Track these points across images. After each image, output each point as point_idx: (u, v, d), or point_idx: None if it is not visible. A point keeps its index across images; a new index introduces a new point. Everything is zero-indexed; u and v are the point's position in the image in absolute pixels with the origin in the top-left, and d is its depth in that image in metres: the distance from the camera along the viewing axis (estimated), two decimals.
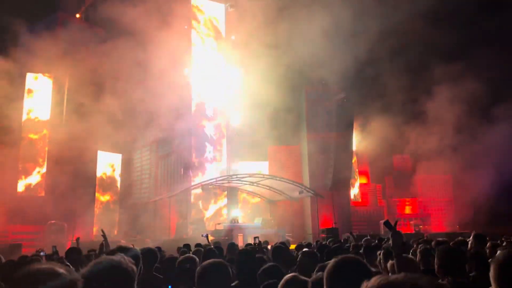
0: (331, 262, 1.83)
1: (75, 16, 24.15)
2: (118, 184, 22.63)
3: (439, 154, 22.10)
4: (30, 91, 20.35)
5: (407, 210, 24.26)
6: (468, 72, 20.94)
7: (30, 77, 20.49)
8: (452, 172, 21.57)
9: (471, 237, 5.07)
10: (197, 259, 3.86)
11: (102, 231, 4.90)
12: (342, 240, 11.65)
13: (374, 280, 1.08)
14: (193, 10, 24.14)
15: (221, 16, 24.93)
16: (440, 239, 7.77)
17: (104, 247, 4.76)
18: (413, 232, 19.53)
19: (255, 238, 7.43)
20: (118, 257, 1.79)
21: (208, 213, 22.44)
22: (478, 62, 20.36)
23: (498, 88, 21.23)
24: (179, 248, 7.74)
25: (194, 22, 24.10)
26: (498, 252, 2.11)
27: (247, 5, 22.69)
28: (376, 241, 8.37)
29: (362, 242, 8.53)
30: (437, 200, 23.99)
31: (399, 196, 24.92)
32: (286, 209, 21.75)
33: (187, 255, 4.14)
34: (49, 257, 8.57)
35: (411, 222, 21.36)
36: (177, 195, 19.70)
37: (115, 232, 21.56)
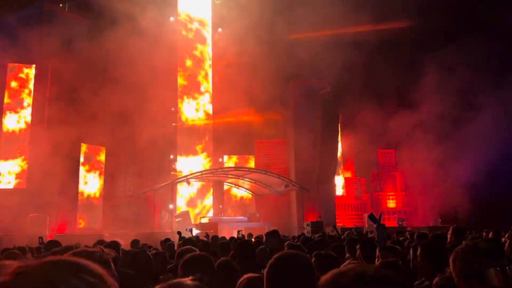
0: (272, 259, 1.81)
1: (59, 5, 23.67)
2: (103, 177, 22.38)
3: (423, 147, 22.37)
4: (11, 81, 19.94)
5: (391, 204, 24.58)
6: (452, 61, 21.21)
7: (11, 67, 20.06)
8: (436, 165, 21.86)
9: (449, 231, 5.12)
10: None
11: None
12: (326, 233, 11.75)
13: (328, 274, 1.08)
14: (180, 2, 23.86)
15: (208, 9, 24.72)
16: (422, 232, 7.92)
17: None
18: (397, 226, 19.77)
19: (238, 231, 7.48)
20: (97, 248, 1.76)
21: (193, 206, 22.37)
22: (462, 49, 20.58)
23: (482, 76, 21.51)
24: (161, 242, 7.72)
25: (180, 13, 23.84)
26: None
27: None
28: (355, 233, 8.47)
29: (345, 236, 8.63)
30: (421, 194, 24.31)
31: (383, 190, 25.21)
32: (272, 203, 21.82)
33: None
34: (37, 250, 8.48)
35: (395, 216, 21.63)
36: (162, 189, 19.56)
37: (99, 225, 21.36)
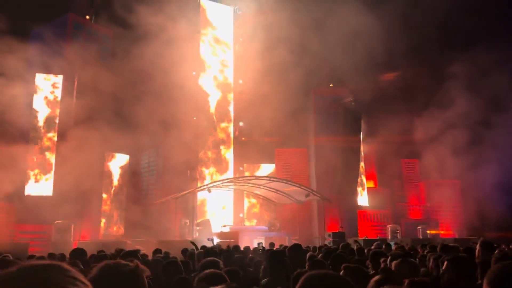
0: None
1: (85, 17, 24.36)
2: (125, 185, 22.71)
3: (448, 158, 21.90)
4: (39, 92, 20.52)
5: (415, 215, 24.05)
6: (479, 68, 20.80)
7: (39, 78, 20.67)
8: (461, 176, 21.33)
9: (477, 245, 4.96)
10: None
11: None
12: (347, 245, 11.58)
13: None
14: (202, 13, 24.18)
15: (229, 19, 24.97)
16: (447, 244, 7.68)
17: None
18: (421, 237, 19.34)
19: (258, 243, 7.44)
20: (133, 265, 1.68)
21: (215, 215, 22.40)
22: (489, 59, 20.16)
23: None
24: (183, 250, 7.76)
25: (203, 24, 24.14)
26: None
27: (255, 8, 22.74)
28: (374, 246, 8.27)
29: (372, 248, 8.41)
30: (445, 204, 23.73)
31: (407, 201, 24.71)
32: (293, 212, 21.66)
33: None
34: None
35: (419, 227, 21.15)
36: (183, 197, 19.68)
37: (121, 232, 21.64)
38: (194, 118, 22.97)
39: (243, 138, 24.17)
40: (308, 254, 5.21)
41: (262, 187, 20.90)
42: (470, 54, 21.23)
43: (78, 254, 5.09)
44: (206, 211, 22.26)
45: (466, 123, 21.33)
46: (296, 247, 5.01)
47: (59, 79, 20.84)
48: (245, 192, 23.02)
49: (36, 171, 19.83)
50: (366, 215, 23.48)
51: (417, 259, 5.30)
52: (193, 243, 9.31)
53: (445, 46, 23.65)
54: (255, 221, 23.24)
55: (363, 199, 24.51)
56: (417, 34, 23.12)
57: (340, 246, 7.64)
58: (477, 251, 4.86)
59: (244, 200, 23.69)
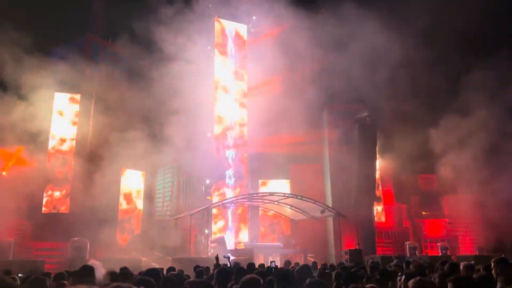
0: None
1: (103, 38, 24.98)
2: (141, 202, 22.84)
3: (467, 173, 21.45)
4: (57, 110, 20.97)
5: (433, 232, 23.50)
6: (498, 86, 20.51)
7: (58, 97, 21.14)
8: (480, 192, 20.83)
9: (492, 263, 4.80)
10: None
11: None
12: (365, 263, 11.35)
13: None
14: (217, 31, 24.52)
15: (243, 36, 25.26)
16: (467, 263, 7.45)
17: None
18: (440, 254, 18.86)
19: (271, 262, 7.35)
20: None
21: (229, 231, 22.30)
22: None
23: None
24: (195, 267, 7.73)
25: (217, 43, 24.46)
26: None
27: (269, 25, 22.97)
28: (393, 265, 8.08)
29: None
30: (465, 221, 23.16)
31: (425, 217, 24.20)
32: (308, 228, 21.40)
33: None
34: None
35: (438, 244, 20.64)
36: (199, 213, 19.68)
37: (137, 248, 21.68)
38: (209, 134, 23.10)
39: (258, 154, 24.12)
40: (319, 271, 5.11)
41: (276, 203, 20.77)
42: (489, 66, 21.00)
43: (86, 272, 5.06)
44: (221, 228, 22.18)
45: (485, 137, 20.95)
46: (305, 268, 4.91)
47: (77, 97, 21.29)
48: (260, 208, 22.90)
49: (53, 187, 20.12)
50: (383, 231, 23.06)
51: (435, 278, 5.16)
52: (216, 258, 9.27)
53: (462, 60, 23.41)
54: (270, 237, 23.05)
55: (380, 215, 24.12)
56: (433, 47, 23.00)
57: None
58: (493, 270, 4.71)
59: (259, 216, 23.54)
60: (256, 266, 9.30)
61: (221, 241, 19.45)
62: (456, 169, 21.77)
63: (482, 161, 20.88)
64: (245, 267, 7.62)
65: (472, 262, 8.31)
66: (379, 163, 24.16)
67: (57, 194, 20.16)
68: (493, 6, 21.33)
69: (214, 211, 21.66)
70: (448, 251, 19.77)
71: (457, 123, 21.83)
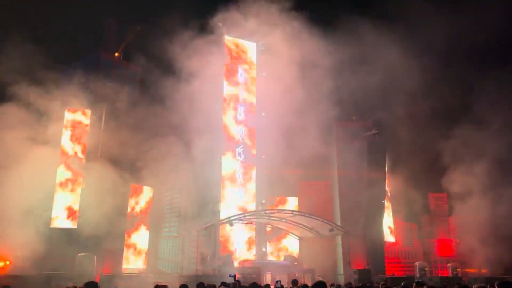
0: None
1: (115, 54, 25.41)
2: (148, 218, 22.82)
3: (478, 191, 21.15)
4: (67, 126, 21.19)
5: (444, 252, 23.06)
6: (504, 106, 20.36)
7: (69, 113, 21.41)
8: (491, 212, 20.48)
9: (495, 286, 4.66)
10: None
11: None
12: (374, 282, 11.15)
13: None
14: (227, 49, 24.76)
15: (253, 54, 25.46)
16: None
17: None
18: (451, 275, 18.48)
19: (277, 282, 7.24)
20: None
21: (236, 249, 22.11)
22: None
23: None
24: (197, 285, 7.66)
25: (227, 60, 24.66)
26: None
27: (278, 43, 23.15)
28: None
29: None
30: (477, 241, 22.71)
31: (436, 237, 23.80)
32: (316, 246, 21.14)
33: None
34: None
35: (449, 265, 20.25)
36: (205, 230, 19.57)
37: (144, 265, 21.59)
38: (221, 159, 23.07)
39: (266, 172, 24.02)
40: None
41: (284, 220, 20.61)
42: (498, 82, 20.89)
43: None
44: (228, 245, 22.01)
45: (497, 155, 20.72)
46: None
47: (87, 113, 21.56)
48: (268, 226, 22.71)
49: (62, 202, 20.22)
50: (393, 251, 22.70)
51: None
52: (234, 277, 9.19)
53: (471, 76, 23.32)
54: (274, 255, 22.78)
55: (389, 234, 23.79)
56: (442, 64, 22.96)
57: None
58: None
59: (267, 234, 23.31)
60: (263, 284, 9.20)
61: (227, 259, 19.28)
62: (467, 188, 21.49)
63: (493, 180, 20.60)
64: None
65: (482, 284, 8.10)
66: (389, 181, 23.97)
67: (66, 209, 20.23)
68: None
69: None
70: (459, 272, 19.36)
71: (468, 141, 21.63)
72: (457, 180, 22.02)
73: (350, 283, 11.14)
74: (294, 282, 10.29)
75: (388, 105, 21.71)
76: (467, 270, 21.02)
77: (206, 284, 7.59)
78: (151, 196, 23.17)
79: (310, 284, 6.51)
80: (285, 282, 13.13)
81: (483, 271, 21.02)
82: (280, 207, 22.70)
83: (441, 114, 23.98)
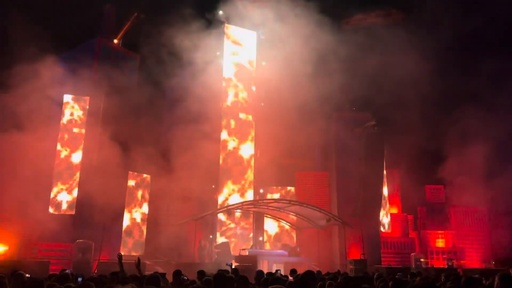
0: None
1: (113, 41, 25.22)
2: (147, 205, 22.87)
3: (475, 185, 21.23)
4: (66, 112, 21.14)
5: (440, 243, 23.25)
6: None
7: (66, 99, 21.33)
8: (489, 204, 20.61)
9: (496, 278, 4.69)
10: None
11: (119, 255, 5.04)
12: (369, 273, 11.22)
13: None
14: (226, 37, 24.62)
15: (252, 43, 25.33)
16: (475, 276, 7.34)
17: (120, 272, 4.85)
18: (446, 267, 18.64)
19: (276, 270, 7.29)
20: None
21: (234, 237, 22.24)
22: None
23: None
24: (198, 273, 7.72)
25: (226, 48, 24.54)
26: None
27: (278, 32, 23.05)
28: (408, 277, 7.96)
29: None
30: (472, 233, 22.90)
31: (432, 228, 23.95)
32: (313, 237, 21.28)
33: None
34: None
35: (444, 256, 20.42)
36: (203, 219, 19.66)
37: (141, 252, 21.68)
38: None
39: (263, 161, 24.07)
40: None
41: (282, 210, 20.71)
42: (498, 76, 20.85)
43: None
44: (226, 234, 22.14)
45: (494, 147, 20.75)
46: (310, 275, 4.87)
47: (86, 100, 21.48)
48: (265, 215, 22.83)
49: (60, 188, 20.25)
50: (389, 242, 22.86)
51: None
52: (231, 266, 9.28)
53: (471, 68, 23.24)
54: (270, 245, 22.94)
55: (385, 225, 23.92)
56: (442, 56, 22.87)
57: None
58: (495, 284, 4.62)
59: (264, 223, 23.45)
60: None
61: (225, 247, 19.41)
62: (465, 180, 21.57)
63: (491, 172, 20.68)
64: (251, 274, 7.57)
65: (477, 276, 8.19)
66: (386, 172, 24.03)
67: (63, 195, 20.27)
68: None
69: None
70: (454, 263, 19.52)
71: (466, 132, 21.66)
72: (454, 171, 22.10)
73: (346, 273, 11.22)
74: (293, 271, 10.34)
75: (387, 96, 21.63)
76: (462, 261, 21.19)
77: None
78: (149, 184, 23.17)
79: None
80: (282, 271, 13.23)
81: (479, 263, 21.22)
82: (277, 197, 22.81)
83: (440, 104, 23.93)
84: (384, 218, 23.85)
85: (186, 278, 7.52)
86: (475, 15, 21.17)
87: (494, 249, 20.54)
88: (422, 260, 19.41)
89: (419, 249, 22.32)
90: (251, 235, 22.63)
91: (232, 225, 22.30)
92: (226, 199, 22.50)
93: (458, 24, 21.50)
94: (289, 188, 24.12)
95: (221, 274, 4.82)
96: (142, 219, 22.47)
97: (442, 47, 22.28)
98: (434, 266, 20.17)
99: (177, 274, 7.24)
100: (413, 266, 18.59)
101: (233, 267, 11.83)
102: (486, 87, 21.14)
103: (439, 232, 23.44)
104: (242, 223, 22.61)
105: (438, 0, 22.84)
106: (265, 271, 13.45)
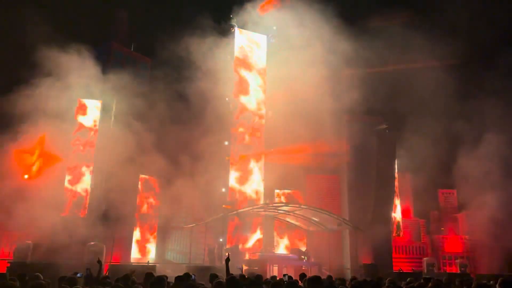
0: None
1: (125, 45, 25.51)
2: (157, 209, 22.97)
3: (488, 187, 20.90)
4: (78, 116, 21.38)
5: (453, 248, 22.92)
6: None
7: (79, 103, 21.58)
8: (502, 208, 20.24)
9: (497, 284, 4.61)
10: None
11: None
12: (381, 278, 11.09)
13: None
14: (237, 40, 24.69)
15: (263, 47, 25.37)
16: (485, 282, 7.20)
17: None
18: (459, 272, 18.37)
19: (284, 275, 7.28)
20: None
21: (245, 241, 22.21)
22: None
23: None
24: (210, 276, 7.73)
25: (237, 51, 24.61)
26: None
27: (288, 36, 23.04)
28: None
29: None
30: (486, 238, 22.51)
31: (444, 233, 23.65)
32: (323, 240, 21.16)
33: None
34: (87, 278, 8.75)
35: (457, 261, 20.13)
36: (214, 222, 19.69)
37: (152, 255, 21.79)
38: (226, 143, 23.11)
39: (274, 164, 24.01)
40: None
41: (292, 213, 20.64)
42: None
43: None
44: (236, 237, 22.13)
45: (509, 151, 20.43)
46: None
47: (98, 103, 21.71)
48: (275, 218, 22.76)
49: (72, 190, 20.46)
50: (401, 246, 22.62)
51: None
52: (241, 269, 9.23)
53: (485, 71, 22.95)
54: (279, 248, 22.85)
55: (397, 230, 23.68)
56: (456, 59, 22.62)
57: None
58: None
59: (275, 227, 23.37)
60: (269, 277, 9.22)
61: (234, 251, 19.38)
62: (478, 184, 21.25)
63: (505, 176, 20.34)
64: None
65: (491, 282, 8.03)
66: (397, 176, 23.83)
67: (76, 198, 20.47)
68: None
69: None
70: (467, 268, 19.24)
71: (479, 137, 21.35)
72: (467, 176, 21.78)
73: (355, 277, 11.10)
74: (302, 275, 10.28)
75: (399, 99, 21.47)
76: (476, 267, 20.86)
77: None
78: (159, 187, 23.28)
79: None
80: (292, 275, 13.15)
81: (492, 269, 20.85)
82: (287, 201, 22.73)
83: (453, 109, 23.65)
84: (396, 222, 23.64)
85: (193, 277, 7.54)
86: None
87: (507, 254, 20.16)
88: (434, 265, 19.16)
89: (431, 254, 22.05)
90: (261, 237, 22.58)
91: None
92: (237, 202, 22.49)
93: (474, 32, 21.29)
94: (299, 191, 23.99)
95: (233, 278, 4.84)
96: (152, 222, 22.57)
97: (457, 51, 22.02)
98: (447, 271, 19.91)
99: (184, 278, 7.12)
100: (425, 271, 18.37)
101: (243, 271, 11.83)
102: (501, 90, 20.86)
103: (452, 237, 23.12)
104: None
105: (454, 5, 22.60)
106: (276, 275, 13.41)
